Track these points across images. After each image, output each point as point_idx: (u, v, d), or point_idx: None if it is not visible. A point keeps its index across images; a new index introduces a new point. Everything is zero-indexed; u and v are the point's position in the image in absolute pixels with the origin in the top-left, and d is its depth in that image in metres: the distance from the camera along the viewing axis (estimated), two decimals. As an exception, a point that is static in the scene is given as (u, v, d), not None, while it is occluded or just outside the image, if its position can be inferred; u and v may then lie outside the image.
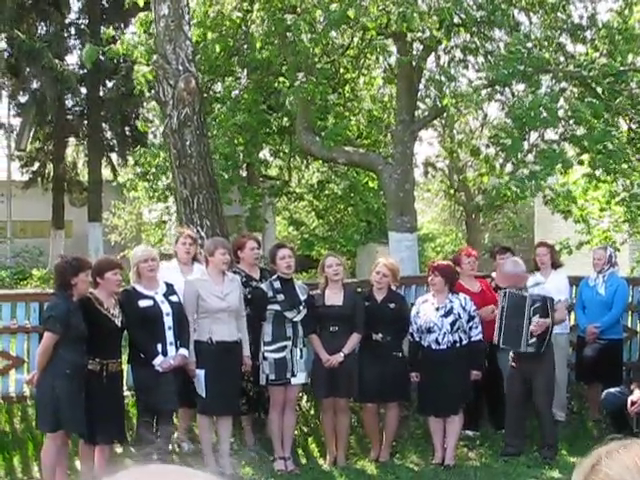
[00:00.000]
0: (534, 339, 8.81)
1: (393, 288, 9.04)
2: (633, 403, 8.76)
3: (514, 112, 11.49)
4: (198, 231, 9.91)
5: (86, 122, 28.49)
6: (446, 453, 8.73)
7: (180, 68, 10.10)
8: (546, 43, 12.50)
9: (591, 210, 15.53)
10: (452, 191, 28.81)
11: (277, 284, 8.55)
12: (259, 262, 9.34)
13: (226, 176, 13.90)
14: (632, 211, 13.64)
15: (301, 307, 8.52)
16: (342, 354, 8.51)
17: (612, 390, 9.11)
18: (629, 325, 10.90)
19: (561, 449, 9.12)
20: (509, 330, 8.80)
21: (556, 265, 10.20)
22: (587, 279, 10.22)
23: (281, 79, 14.14)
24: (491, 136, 12.89)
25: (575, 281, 10.57)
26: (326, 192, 21.93)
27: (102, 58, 13.23)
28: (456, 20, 11.76)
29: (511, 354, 9.00)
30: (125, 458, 8.74)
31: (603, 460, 1.73)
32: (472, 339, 8.73)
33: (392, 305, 8.86)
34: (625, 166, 12.27)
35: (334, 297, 8.71)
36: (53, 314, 7.40)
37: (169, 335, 7.86)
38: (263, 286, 8.63)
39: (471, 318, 8.73)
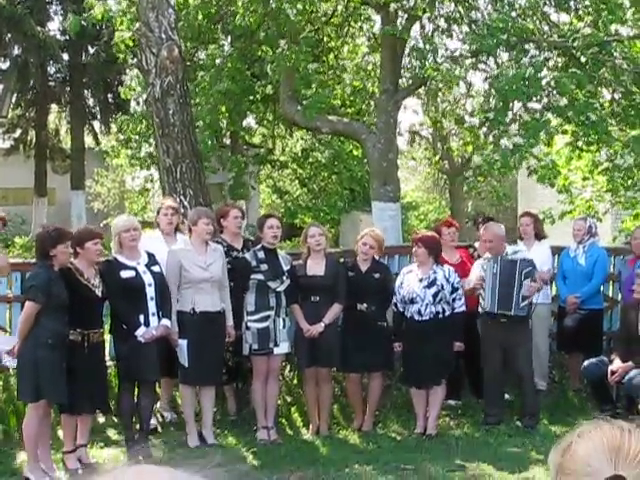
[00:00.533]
0: (525, 302, 8.87)
1: (377, 258, 9.05)
2: (613, 373, 8.83)
3: (497, 85, 11.46)
4: (181, 200, 9.88)
5: (68, 89, 28.32)
6: (428, 423, 8.77)
7: (163, 36, 10.02)
8: (530, 12, 12.44)
9: (574, 180, 15.54)
10: (436, 159, 28.81)
11: (261, 254, 8.54)
12: (243, 231, 9.31)
13: (209, 144, 13.83)
14: (614, 181, 13.66)
15: (284, 277, 8.52)
16: (323, 324, 8.53)
17: (592, 360, 9.18)
18: (610, 295, 10.95)
19: (542, 418, 9.18)
20: (503, 294, 8.83)
21: (540, 236, 10.23)
22: (567, 249, 10.26)
23: (265, 47, 14.05)
24: (474, 110, 12.85)
25: (557, 251, 10.60)
26: (310, 160, 21.90)
27: (84, 24, 13.07)
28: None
29: (481, 322, 9.05)
30: (107, 427, 8.77)
31: (575, 440, 1.79)
32: (455, 310, 8.75)
33: (376, 275, 8.87)
34: (606, 136, 12.26)
35: (316, 267, 8.70)
36: (34, 283, 7.38)
37: (151, 305, 7.85)
38: (247, 255, 8.62)
39: (454, 290, 8.74)
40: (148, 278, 7.87)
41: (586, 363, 9.26)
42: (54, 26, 29.31)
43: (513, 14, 12.33)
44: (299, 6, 11.38)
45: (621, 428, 1.80)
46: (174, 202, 9.19)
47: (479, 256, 9.68)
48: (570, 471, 1.76)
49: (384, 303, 8.86)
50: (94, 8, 13.13)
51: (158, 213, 8.95)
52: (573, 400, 10.00)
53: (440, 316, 8.66)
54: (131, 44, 12.02)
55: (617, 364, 8.90)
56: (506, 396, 9.44)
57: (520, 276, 8.80)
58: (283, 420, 9.29)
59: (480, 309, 9.04)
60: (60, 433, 8.04)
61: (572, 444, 1.79)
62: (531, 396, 9.13)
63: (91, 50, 26.34)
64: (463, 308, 8.79)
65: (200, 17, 13.24)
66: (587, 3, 12.66)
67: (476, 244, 10.22)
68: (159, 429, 8.81)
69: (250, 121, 19.45)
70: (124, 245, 7.89)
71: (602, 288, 10.39)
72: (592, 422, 1.84)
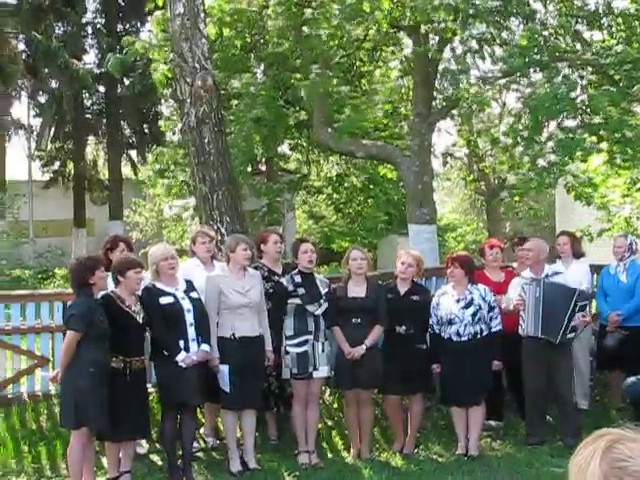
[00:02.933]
0: (573, 334, 8.84)
1: (416, 280, 9.06)
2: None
3: (529, 103, 11.47)
4: (218, 228, 9.96)
5: (105, 120, 28.67)
6: (469, 443, 8.74)
7: (197, 66, 10.15)
8: (562, 31, 12.45)
9: (612, 197, 15.48)
10: (471, 179, 28.75)
11: (298, 278, 8.59)
12: (280, 256, 9.37)
13: (243, 171, 13.93)
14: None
15: (322, 300, 8.55)
16: (364, 346, 8.53)
17: (633, 378, 9.10)
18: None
19: (584, 438, 9.08)
20: (548, 320, 8.77)
21: (578, 254, 10.20)
22: (608, 267, 10.20)
23: (297, 74, 14.16)
24: (508, 129, 12.85)
25: (597, 270, 10.55)
26: (345, 185, 21.95)
27: (119, 56, 13.28)
28: (471, 11, 11.72)
29: (524, 342, 9.00)
30: (150, 454, 8.83)
31: (635, 459, 1.70)
32: (492, 329, 8.73)
33: (415, 297, 8.87)
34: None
35: (357, 289, 8.73)
36: (75, 312, 7.46)
37: (191, 331, 7.91)
38: (283, 280, 8.67)
39: (491, 309, 8.73)
40: (187, 304, 7.94)
41: (628, 381, 9.19)
42: (89, 59, 29.70)
43: (545, 33, 12.34)
44: (330, 30, 11.46)
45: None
46: (210, 230, 9.28)
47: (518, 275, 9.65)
48: None
49: (423, 325, 8.85)
50: (134, 44, 13.32)
51: (194, 242, 9.02)
52: (615, 419, 9.91)
53: (479, 336, 8.65)
54: (169, 75, 12.17)
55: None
56: (547, 417, 9.37)
57: (575, 307, 8.74)
58: (324, 444, 9.29)
59: (520, 331, 8.98)
60: (104, 460, 8.11)
61: (627, 464, 1.71)
62: (572, 415, 9.06)
63: (126, 82, 26.65)
64: (500, 327, 8.77)
65: (235, 47, 13.39)
66: (620, 20, 12.65)
67: (514, 264, 10.21)
68: (201, 454, 8.86)
69: (285, 147, 19.56)
70: (162, 273, 7.97)
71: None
72: (604, 434, 1.77)
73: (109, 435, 7.63)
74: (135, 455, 8.12)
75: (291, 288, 8.54)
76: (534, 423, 9.02)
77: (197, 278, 8.37)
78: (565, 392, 8.99)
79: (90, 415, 7.31)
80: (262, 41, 14.09)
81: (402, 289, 8.88)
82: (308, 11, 12.19)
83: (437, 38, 13.12)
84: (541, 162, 11.97)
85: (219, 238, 9.79)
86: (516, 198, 15.85)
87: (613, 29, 12.94)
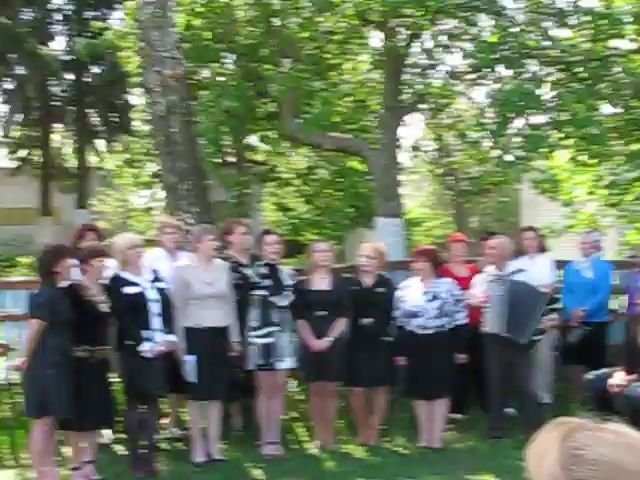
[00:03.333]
0: (539, 336, 8.92)
1: (381, 273, 9.09)
2: (615, 385, 8.85)
3: (496, 98, 11.52)
4: (186, 218, 9.93)
5: (72, 108, 28.43)
6: (433, 436, 8.79)
7: (166, 55, 10.10)
8: (530, 28, 12.51)
9: (577, 194, 15.60)
10: (440, 174, 28.81)
11: (263, 269, 8.60)
12: (248, 247, 9.35)
13: (213, 162, 13.88)
14: (615, 194, 13.71)
15: (288, 292, 8.57)
16: (329, 339, 8.56)
17: (595, 372, 9.20)
18: (614, 308, 10.95)
19: (546, 431, 9.17)
20: (513, 319, 8.82)
21: (542, 249, 10.27)
22: (573, 263, 10.28)
23: (267, 65, 14.13)
24: (474, 124, 12.91)
25: (561, 265, 10.63)
26: (314, 177, 21.94)
27: (90, 41, 13.17)
28: (440, 6, 11.74)
29: (486, 338, 9.05)
30: (114, 444, 8.80)
31: (591, 447, 1.71)
32: (457, 323, 8.79)
33: (380, 290, 8.90)
34: (607, 150, 12.31)
35: (321, 282, 8.75)
36: (39, 301, 7.43)
37: (156, 321, 7.90)
38: (249, 271, 8.67)
39: (457, 302, 8.78)
40: (153, 294, 7.92)
41: (588, 375, 9.28)
42: (58, 45, 29.43)
43: (513, 30, 12.40)
44: (300, 20, 11.45)
45: (615, 424, 1.76)
46: (176, 220, 9.25)
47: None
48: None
49: (388, 318, 8.88)
50: (104, 31, 13.23)
51: (160, 232, 9.00)
52: (577, 413, 10.00)
53: (443, 329, 8.70)
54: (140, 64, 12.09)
55: (619, 376, 8.92)
56: (511, 410, 9.44)
57: (541, 310, 8.80)
58: (288, 435, 9.31)
59: (483, 327, 9.04)
60: (67, 450, 8.08)
61: (583, 452, 1.72)
62: (533, 409, 9.13)
63: (96, 70, 26.46)
64: (465, 320, 8.83)
65: (204, 36, 13.34)
66: (587, 18, 12.73)
67: (480, 259, 10.26)
68: (165, 445, 8.84)
69: (254, 139, 19.50)
70: (130, 262, 7.95)
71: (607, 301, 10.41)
72: (560, 423, 1.77)
73: (73, 424, 7.60)
74: (98, 445, 8.10)
75: (256, 279, 8.54)
76: (496, 416, 9.09)
77: (162, 268, 8.35)
78: (525, 386, 9.06)
79: (54, 404, 7.28)
80: (232, 31, 14.03)
81: (367, 281, 8.91)
82: (275, 1, 12.17)
83: (406, 32, 13.13)
84: (508, 157, 12.04)
85: (186, 228, 9.77)
86: (478, 189, 15.87)
87: (580, 27, 13.01)
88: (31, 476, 7.74)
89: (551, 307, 8.92)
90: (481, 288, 9.05)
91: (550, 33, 12.97)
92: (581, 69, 12.11)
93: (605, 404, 9.09)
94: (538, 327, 8.83)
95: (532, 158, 11.43)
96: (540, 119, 13.01)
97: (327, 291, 8.71)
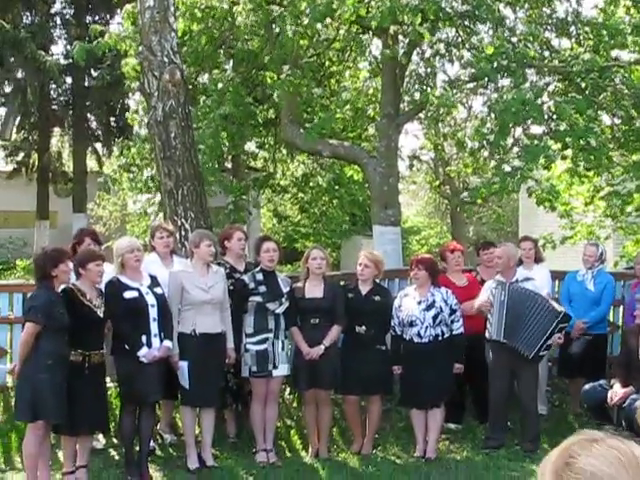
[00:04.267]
0: (546, 352, 8.91)
1: (377, 281, 9.07)
2: (613, 397, 8.84)
3: (495, 108, 11.52)
4: (182, 223, 9.90)
5: (71, 112, 28.42)
6: (428, 446, 8.76)
7: (165, 60, 10.08)
8: (531, 38, 12.51)
9: (575, 205, 15.59)
10: (437, 184, 28.85)
11: (259, 276, 8.57)
12: (245, 254, 9.34)
13: (211, 167, 13.85)
14: (614, 206, 13.70)
15: (283, 299, 8.54)
16: (322, 346, 8.53)
17: (592, 384, 9.18)
18: (611, 320, 10.95)
19: (542, 442, 9.15)
20: (517, 327, 8.77)
21: (539, 259, 10.27)
22: (575, 273, 10.25)
23: (267, 72, 14.12)
24: (474, 133, 12.89)
25: (558, 275, 10.63)
26: (311, 185, 21.93)
27: (87, 49, 13.13)
28: (441, 15, 11.74)
29: (491, 346, 9.01)
30: (107, 449, 8.77)
31: (581, 457, 1.73)
32: (453, 332, 8.76)
33: (376, 298, 8.87)
34: (606, 161, 12.30)
35: (314, 289, 8.72)
36: (34, 304, 7.39)
37: (153, 327, 7.87)
38: (245, 277, 8.64)
39: (453, 311, 8.75)
40: (151, 299, 7.89)
41: (586, 387, 9.27)
42: (58, 50, 29.47)
43: (514, 39, 12.40)
44: (300, 29, 11.43)
45: (618, 439, 1.77)
46: (169, 225, 9.21)
47: (483, 280, 9.69)
48: None
49: (383, 326, 8.86)
50: (103, 36, 13.22)
51: (153, 237, 8.94)
52: (573, 424, 9.97)
53: (439, 338, 8.67)
54: (138, 68, 12.07)
55: (617, 389, 8.90)
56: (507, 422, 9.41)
57: (556, 328, 8.76)
58: (282, 443, 9.29)
59: (487, 334, 9.00)
60: (60, 454, 8.04)
61: (573, 460, 1.74)
62: (533, 421, 9.11)
63: (94, 74, 26.45)
64: (461, 330, 8.80)
65: (203, 41, 13.32)
66: (587, 29, 12.75)
67: (478, 268, 10.25)
68: (157, 450, 8.81)
69: (252, 145, 19.48)
70: (128, 266, 7.92)
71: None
72: (580, 434, 1.81)
73: (66, 429, 7.56)
74: (92, 449, 8.06)
75: (252, 286, 8.52)
76: (495, 427, 9.05)
77: (155, 273, 8.30)
78: (528, 398, 9.02)
79: (47, 408, 7.24)
80: (232, 37, 14.03)
81: (363, 289, 8.89)
82: (276, 8, 12.15)
83: (406, 40, 13.14)
84: (506, 167, 12.02)
85: (183, 234, 9.74)
86: (478, 200, 15.87)
87: (581, 37, 13.03)
88: (24, 479, 7.69)
89: (562, 326, 8.86)
90: (485, 295, 9.02)
91: (551, 43, 12.98)
92: (580, 80, 12.10)
93: (603, 415, 9.09)
94: (548, 343, 8.79)
95: (530, 169, 11.40)
96: (539, 129, 13.03)
97: (320, 299, 8.68)
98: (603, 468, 1.71)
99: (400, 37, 12.36)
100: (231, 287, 8.66)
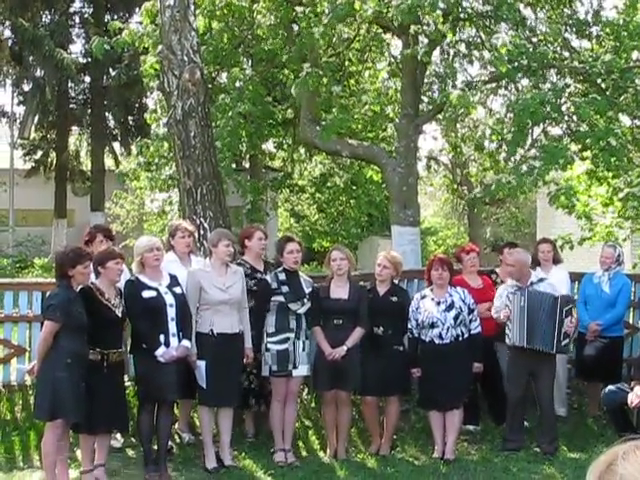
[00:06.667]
0: (567, 340, 8.83)
1: (395, 282, 9.05)
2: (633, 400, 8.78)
3: (514, 107, 11.46)
4: (201, 222, 9.90)
5: (89, 111, 28.50)
6: (446, 447, 8.73)
7: (185, 59, 10.09)
8: (551, 39, 12.45)
9: (594, 206, 15.50)
10: (455, 185, 28.75)
11: (282, 276, 8.56)
12: (264, 254, 9.31)
13: (228, 167, 13.84)
14: (632, 207, 13.59)
15: (305, 299, 8.53)
16: (345, 347, 8.51)
17: (612, 387, 9.12)
18: (630, 322, 10.89)
19: (561, 445, 9.12)
20: (535, 330, 8.73)
21: (557, 261, 10.22)
22: (592, 275, 10.19)
23: (286, 71, 14.11)
24: (492, 131, 12.84)
25: (576, 277, 10.57)
26: (328, 185, 21.92)
27: (107, 47, 13.15)
28: (462, 15, 11.71)
29: (508, 349, 8.97)
30: (125, 448, 8.77)
31: (619, 460, 1.71)
32: (472, 332, 8.74)
33: (394, 299, 8.85)
34: (627, 163, 12.21)
35: (339, 290, 8.70)
36: (53, 303, 7.39)
37: (172, 326, 7.87)
38: (268, 277, 8.64)
39: (471, 311, 8.74)
40: (169, 299, 7.89)
41: (606, 390, 9.21)
42: (76, 49, 29.51)
43: (534, 40, 12.35)
44: (321, 29, 11.40)
45: None
46: (190, 224, 9.20)
47: (501, 281, 9.65)
48: None
49: (401, 327, 8.83)
50: (121, 32, 13.24)
51: (173, 236, 8.90)
52: (592, 427, 9.94)
53: (460, 339, 8.65)
54: (158, 68, 12.08)
55: (638, 391, 8.84)
56: (525, 423, 9.36)
57: (561, 313, 8.72)
58: (300, 443, 9.27)
59: (507, 340, 8.95)
60: (78, 453, 8.04)
61: (615, 464, 1.73)
62: (551, 423, 9.06)
63: (112, 72, 26.51)
64: (479, 329, 8.78)
65: (225, 40, 13.32)
66: (608, 30, 12.67)
67: (497, 270, 10.20)
68: (175, 450, 8.80)
69: (269, 145, 19.49)
70: (147, 265, 7.92)
71: (623, 315, 10.33)
72: (634, 442, 1.77)
73: (85, 427, 7.57)
74: (110, 449, 8.06)
75: (275, 285, 8.51)
76: (514, 428, 9.01)
77: (174, 272, 8.27)
78: (546, 400, 8.98)
79: (66, 407, 7.25)
80: (251, 36, 14.03)
81: (381, 290, 8.87)
82: (299, 9, 12.14)
83: (426, 40, 13.11)
84: (524, 167, 11.96)
85: (202, 233, 9.74)
86: (490, 199, 15.71)
87: (601, 38, 12.96)
88: (42, 477, 7.69)
89: (566, 308, 8.80)
90: (502, 301, 8.96)
91: (571, 44, 12.92)
92: (601, 81, 12.03)
93: (623, 418, 9.04)
94: (563, 331, 8.73)
95: (548, 169, 11.32)
96: (558, 131, 12.96)
97: (345, 300, 8.66)
98: (636, 474, 1.69)
99: (420, 37, 12.30)
100: (254, 287, 8.64)
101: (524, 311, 8.75)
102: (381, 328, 8.72)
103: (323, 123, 12.63)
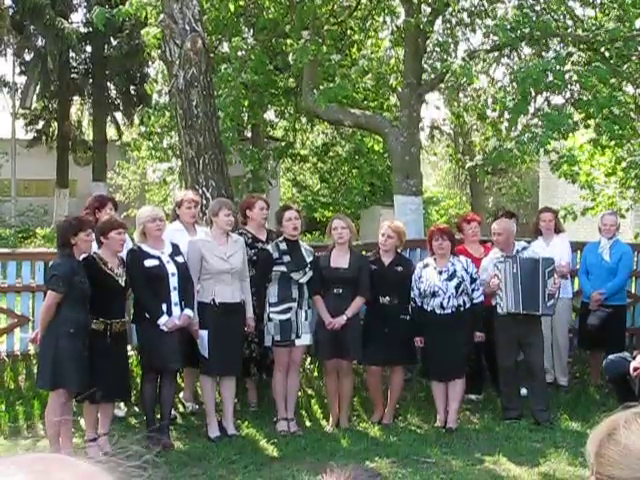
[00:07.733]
0: (552, 301, 8.82)
1: (399, 251, 9.05)
2: (636, 369, 8.78)
3: (517, 75, 11.39)
4: (203, 192, 9.89)
5: (91, 80, 28.40)
6: (448, 416, 8.76)
7: (187, 28, 10.03)
8: (555, 7, 12.37)
9: (597, 176, 15.46)
10: (458, 155, 28.69)
11: (283, 245, 8.55)
12: (265, 223, 9.31)
13: (231, 136, 13.79)
14: (633, 177, 13.56)
15: (307, 269, 8.53)
16: (345, 316, 8.52)
17: (614, 356, 9.13)
18: (633, 291, 10.90)
19: (563, 414, 9.15)
20: (527, 294, 8.76)
21: (559, 230, 10.21)
22: (595, 244, 10.17)
23: (288, 40, 14.03)
24: (494, 100, 12.77)
25: (578, 246, 10.57)
26: (330, 154, 21.87)
27: (109, 17, 13.06)
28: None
29: (497, 320, 8.97)
30: (129, 417, 8.81)
31: (621, 430, 1.70)
32: (474, 301, 8.74)
33: (399, 268, 8.85)
34: (630, 131, 12.17)
35: (340, 259, 8.70)
36: (56, 273, 7.40)
37: (174, 295, 7.88)
38: (269, 247, 8.63)
39: (473, 280, 8.73)
40: (172, 268, 7.90)
41: (608, 359, 9.22)
42: (77, 18, 29.39)
43: (537, 8, 12.26)
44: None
45: None
46: (196, 195, 9.19)
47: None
48: (613, 462, 1.66)
49: (407, 296, 8.84)
50: (124, 2, 13.15)
51: (179, 206, 8.90)
52: (594, 396, 9.97)
53: (462, 309, 8.65)
54: (159, 37, 12.00)
55: None
56: (523, 391, 9.38)
57: (544, 275, 8.72)
58: (303, 412, 9.30)
59: (499, 309, 8.95)
60: (82, 422, 8.08)
61: (617, 434, 1.72)
62: (542, 390, 9.07)
63: (114, 42, 26.40)
64: (482, 298, 8.78)
65: (232, 9, 13.23)
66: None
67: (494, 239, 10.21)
68: (178, 419, 8.84)
69: (271, 114, 19.41)
70: (149, 235, 7.92)
71: (625, 284, 10.33)
72: (634, 409, 1.77)
73: (87, 396, 7.59)
74: (113, 417, 8.10)
75: (276, 255, 8.50)
76: (509, 397, 9.05)
77: (179, 242, 8.29)
78: (535, 367, 8.99)
79: (68, 376, 7.28)
80: (253, 5, 13.94)
81: (386, 260, 8.86)
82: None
83: (429, 9, 13.02)
84: (527, 136, 11.90)
85: (204, 202, 9.73)
86: (497, 165, 15.64)
87: (605, 6, 12.87)
88: (46, 446, 7.73)
89: (549, 270, 8.79)
90: (489, 272, 8.95)
91: (575, 12, 12.83)
92: (605, 49, 11.96)
93: (625, 387, 9.05)
94: (547, 293, 8.74)
95: (550, 137, 11.27)
96: (561, 99, 12.90)
97: (345, 269, 8.66)
98: (638, 443, 1.67)
99: (423, 6, 12.23)
100: (254, 257, 8.65)
101: (517, 277, 8.75)
102: (387, 298, 8.72)
103: (321, 88, 12.52)
